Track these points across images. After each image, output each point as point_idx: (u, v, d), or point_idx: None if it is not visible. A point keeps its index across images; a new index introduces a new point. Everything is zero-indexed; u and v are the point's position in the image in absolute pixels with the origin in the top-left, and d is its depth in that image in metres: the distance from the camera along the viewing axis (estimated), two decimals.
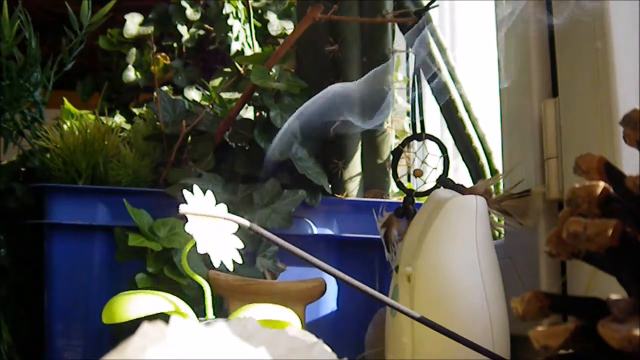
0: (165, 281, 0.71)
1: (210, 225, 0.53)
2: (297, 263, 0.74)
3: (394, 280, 0.63)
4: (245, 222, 0.53)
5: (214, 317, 0.54)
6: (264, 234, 0.52)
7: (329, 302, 0.80)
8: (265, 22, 1.11)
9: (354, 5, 0.84)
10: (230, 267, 0.53)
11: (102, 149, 0.80)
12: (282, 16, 1.12)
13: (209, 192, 0.54)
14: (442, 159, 0.72)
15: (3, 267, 0.79)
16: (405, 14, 0.84)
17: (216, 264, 0.52)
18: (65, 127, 0.82)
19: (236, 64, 1.04)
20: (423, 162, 0.78)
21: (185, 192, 0.52)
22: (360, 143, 0.84)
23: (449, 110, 0.89)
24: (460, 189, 0.64)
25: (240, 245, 0.55)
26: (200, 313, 0.55)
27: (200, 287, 0.55)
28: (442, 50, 0.90)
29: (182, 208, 0.51)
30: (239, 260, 0.54)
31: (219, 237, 0.53)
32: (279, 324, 0.55)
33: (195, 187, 0.53)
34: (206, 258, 0.71)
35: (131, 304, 0.52)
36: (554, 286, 0.62)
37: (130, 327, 0.39)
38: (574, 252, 0.32)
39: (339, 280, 0.52)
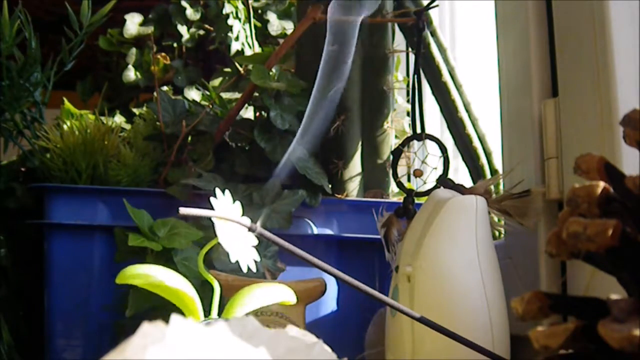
0: None
1: (234, 229, 0.53)
2: (297, 263, 0.74)
3: (394, 280, 0.63)
4: (246, 222, 0.53)
5: (217, 317, 0.54)
6: (264, 234, 0.52)
7: (329, 302, 0.80)
8: (265, 22, 1.11)
9: None
10: (245, 270, 0.54)
11: (102, 149, 0.80)
12: (282, 16, 1.12)
13: (237, 202, 0.54)
14: (442, 159, 0.72)
15: (3, 267, 0.79)
16: (405, 14, 0.84)
17: (233, 261, 0.52)
18: (65, 127, 0.82)
19: (236, 64, 1.04)
20: (423, 162, 0.78)
21: (218, 191, 0.53)
22: (360, 143, 0.84)
23: (449, 110, 0.89)
24: (460, 189, 0.64)
25: (258, 258, 0.55)
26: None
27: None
28: (442, 50, 0.90)
29: (182, 209, 0.51)
30: (254, 269, 0.54)
31: (240, 239, 0.54)
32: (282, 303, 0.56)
33: (227, 192, 0.54)
34: (207, 259, 0.72)
35: (146, 270, 0.53)
36: (554, 286, 0.62)
37: (130, 327, 0.39)
38: (574, 252, 0.32)
39: (339, 280, 0.52)
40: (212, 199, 0.52)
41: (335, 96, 0.74)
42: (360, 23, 0.75)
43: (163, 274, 0.53)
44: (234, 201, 0.54)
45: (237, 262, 0.53)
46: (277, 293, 0.56)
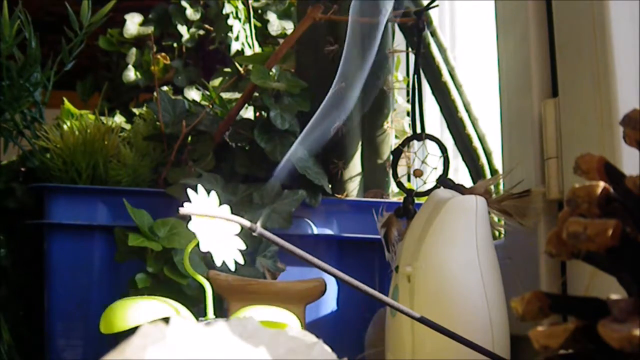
0: (165, 281, 0.71)
1: (213, 225, 0.53)
2: (297, 263, 0.74)
3: (394, 280, 0.63)
4: (246, 223, 0.53)
5: (214, 317, 0.54)
6: (264, 234, 0.52)
7: (329, 302, 0.80)
8: (265, 22, 1.11)
9: None
10: (232, 267, 0.53)
11: (102, 149, 0.80)
12: (282, 16, 1.12)
13: (212, 193, 0.54)
14: (442, 159, 0.72)
15: (3, 267, 0.79)
16: (405, 14, 0.84)
17: (218, 263, 0.52)
18: (65, 127, 0.82)
19: (236, 64, 1.04)
20: (423, 162, 0.78)
21: (190, 191, 0.52)
22: (360, 143, 0.84)
23: (449, 110, 0.89)
24: (460, 189, 0.64)
25: (243, 247, 0.55)
26: (200, 313, 0.55)
27: (201, 287, 0.55)
28: (442, 50, 0.90)
29: (182, 209, 0.51)
30: (241, 261, 0.54)
31: (222, 237, 0.53)
32: (279, 326, 0.55)
33: (199, 187, 0.53)
34: (207, 258, 0.72)
35: (130, 311, 0.50)
36: (554, 286, 0.62)
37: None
38: (574, 252, 0.32)
39: (339, 280, 0.52)
40: (185, 204, 0.51)
41: (350, 96, 0.74)
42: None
43: (146, 312, 0.51)
44: (230, 200, 0.54)
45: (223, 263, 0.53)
46: (279, 317, 0.56)
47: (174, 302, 0.54)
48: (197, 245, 0.52)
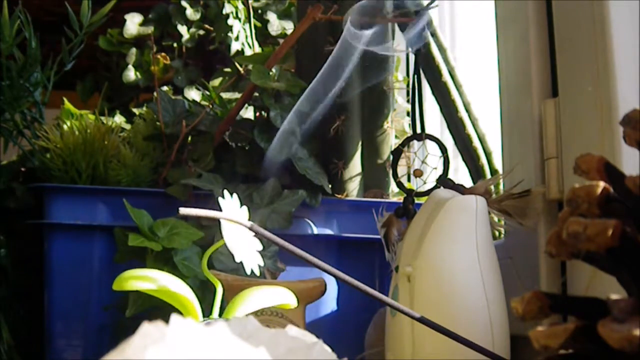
0: None
1: (240, 231, 0.53)
2: (297, 263, 0.74)
3: (394, 280, 0.63)
4: (246, 223, 0.53)
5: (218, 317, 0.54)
6: (264, 234, 0.52)
7: (329, 302, 0.80)
8: (265, 22, 1.11)
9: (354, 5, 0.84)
10: (248, 272, 0.53)
11: (102, 149, 0.80)
12: (282, 16, 1.12)
13: (235, 195, 0.54)
14: (442, 159, 0.72)
15: (3, 267, 0.79)
16: (405, 14, 0.84)
17: (237, 260, 0.52)
18: (65, 127, 0.83)
19: (236, 64, 1.04)
20: (423, 162, 0.78)
21: (220, 199, 0.52)
22: (360, 143, 0.84)
23: (449, 110, 0.89)
24: (460, 189, 0.64)
25: (262, 263, 0.55)
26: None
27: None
28: (442, 50, 0.90)
29: (182, 209, 0.51)
30: (257, 273, 0.54)
31: (244, 243, 0.53)
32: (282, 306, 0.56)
33: (235, 196, 0.53)
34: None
35: (145, 273, 0.52)
36: (554, 286, 0.62)
37: (130, 327, 0.39)
38: (574, 252, 0.32)
39: (339, 280, 0.52)
40: (220, 199, 0.52)
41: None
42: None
43: (162, 278, 0.53)
44: (241, 205, 0.54)
45: (240, 262, 0.53)
46: (278, 295, 0.56)
47: (180, 280, 0.54)
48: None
